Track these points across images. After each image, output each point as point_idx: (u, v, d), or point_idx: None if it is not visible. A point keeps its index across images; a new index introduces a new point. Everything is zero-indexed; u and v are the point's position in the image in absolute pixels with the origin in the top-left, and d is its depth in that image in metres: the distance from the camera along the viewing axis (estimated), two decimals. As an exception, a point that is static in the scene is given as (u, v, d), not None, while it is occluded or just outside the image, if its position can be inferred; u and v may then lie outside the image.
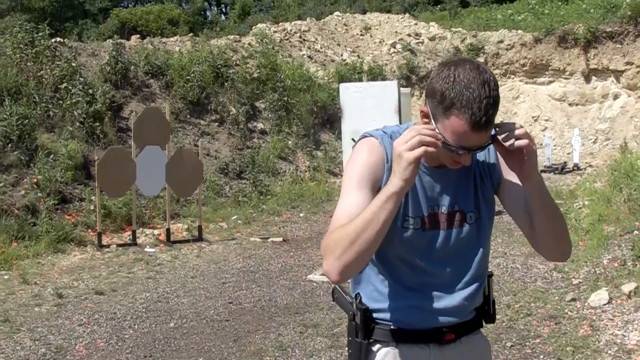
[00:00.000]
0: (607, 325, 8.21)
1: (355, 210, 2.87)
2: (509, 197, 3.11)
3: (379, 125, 3.24)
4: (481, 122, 2.71)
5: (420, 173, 3.05)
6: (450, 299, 3.13)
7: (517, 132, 2.77)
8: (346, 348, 3.37)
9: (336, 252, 2.80)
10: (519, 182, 3.00)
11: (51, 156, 15.07)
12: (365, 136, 3.08)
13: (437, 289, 3.12)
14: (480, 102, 2.70)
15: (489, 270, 3.35)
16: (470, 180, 3.11)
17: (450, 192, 3.09)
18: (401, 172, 2.74)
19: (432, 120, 2.85)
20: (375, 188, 2.96)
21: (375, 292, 3.21)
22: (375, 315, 3.20)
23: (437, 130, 2.80)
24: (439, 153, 2.89)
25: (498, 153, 2.95)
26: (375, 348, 3.20)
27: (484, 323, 3.35)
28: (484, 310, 3.32)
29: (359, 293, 3.26)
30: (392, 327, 3.17)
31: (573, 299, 9.29)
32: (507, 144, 2.78)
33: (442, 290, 3.12)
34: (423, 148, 2.71)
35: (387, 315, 3.18)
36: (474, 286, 3.17)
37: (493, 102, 2.73)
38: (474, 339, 3.26)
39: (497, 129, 2.79)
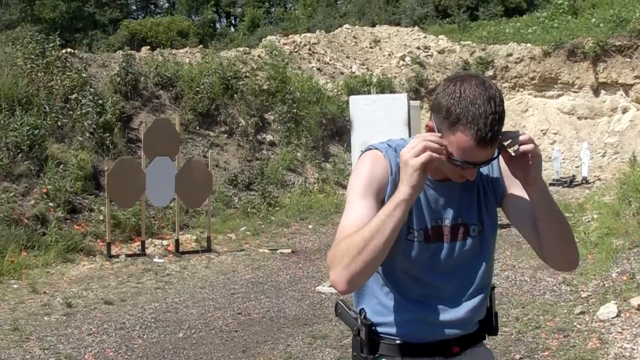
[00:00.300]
0: (615, 338, 8.20)
1: (361, 220, 2.89)
2: (513, 209, 3.12)
3: (389, 138, 3.26)
4: (487, 138, 2.74)
5: (425, 186, 3.05)
6: (455, 311, 3.13)
7: (521, 137, 2.80)
8: None
9: (343, 261, 2.81)
10: (522, 195, 3.04)
11: (61, 166, 15.11)
12: (369, 149, 3.10)
13: (442, 301, 3.13)
14: (486, 118, 2.72)
15: (493, 283, 3.37)
16: (473, 194, 3.12)
17: (454, 205, 3.10)
18: (408, 179, 2.77)
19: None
20: (379, 199, 2.98)
21: (379, 306, 3.21)
22: (379, 329, 3.21)
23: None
24: (443, 166, 2.92)
25: (501, 165, 2.98)
26: None
27: (487, 336, 3.38)
28: (487, 323, 3.33)
29: (363, 308, 3.26)
30: (397, 341, 3.18)
31: (582, 312, 9.28)
32: (512, 149, 2.82)
33: (447, 302, 3.13)
34: (428, 153, 2.74)
35: (392, 330, 3.18)
36: (478, 298, 3.17)
37: (499, 118, 2.75)
38: (477, 351, 3.27)
39: (501, 136, 2.80)
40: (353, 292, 3.22)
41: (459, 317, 3.14)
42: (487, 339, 3.36)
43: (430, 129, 2.92)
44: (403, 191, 2.79)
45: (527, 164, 2.84)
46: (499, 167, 3.09)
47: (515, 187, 3.07)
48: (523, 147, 2.79)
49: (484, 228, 3.16)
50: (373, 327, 3.21)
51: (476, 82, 2.79)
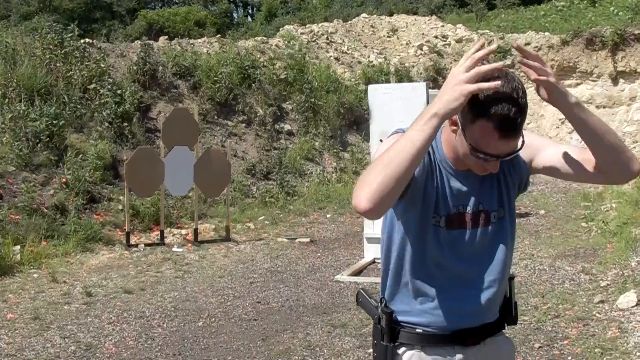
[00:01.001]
0: (635, 327, 8.20)
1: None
2: (547, 163, 3.12)
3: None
4: (510, 130, 2.75)
5: (448, 175, 3.09)
6: (475, 300, 3.16)
7: (536, 70, 2.83)
8: (371, 351, 3.40)
9: (367, 180, 2.76)
10: (547, 149, 3.10)
11: (80, 156, 15.15)
12: (397, 132, 3.09)
13: (462, 290, 3.15)
14: (509, 110, 2.73)
15: (511, 273, 3.38)
16: (494, 181, 3.14)
17: (475, 193, 3.12)
18: (450, 101, 2.73)
19: (460, 127, 2.88)
20: None
21: (400, 295, 3.24)
22: (400, 318, 3.23)
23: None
24: (467, 160, 2.95)
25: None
26: (400, 351, 3.24)
27: (506, 325, 3.39)
28: (507, 312, 3.34)
29: (384, 297, 3.29)
30: (418, 330, 3.20)
31: (601, 301, 9.28)
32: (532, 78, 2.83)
33: (468, 291, 3.15)
34: (477, 86, 2.71)
35: (412, 319, 3.21)
36: (497, 285, 3.19)
37: (521, 109, 2.76)
38: (497, 340, 3.30)
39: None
40: (380, 262, 3.26)
41: (479, 305, 3.16)
42: (506, 328, 3.38)
43: (453, 122, 2.93)
44: (439, 107, 2.75)
45: (549, 90, 2.87)
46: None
47: (539, 149, 3.11)
48: (493, 85, 2.73)
49: (504, 214, 3.18)
50: (394, 316, 3.23)
51: (499, 74, 2.80)
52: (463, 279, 3.14)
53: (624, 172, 2.97)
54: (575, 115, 2.90)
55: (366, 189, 2.73)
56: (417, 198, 3.05)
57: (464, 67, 2.75)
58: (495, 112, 2.74)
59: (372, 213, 2.77)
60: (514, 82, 2.79)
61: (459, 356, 3.19)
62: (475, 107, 2.78)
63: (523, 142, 2.87)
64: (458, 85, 2.73)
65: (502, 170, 3.08)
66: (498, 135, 2.76)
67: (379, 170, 2.74)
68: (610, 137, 2.94)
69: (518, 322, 3.47)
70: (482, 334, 3.22)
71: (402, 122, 2.93)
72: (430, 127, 2.74)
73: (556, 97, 2.86)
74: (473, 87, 2.70)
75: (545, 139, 3.23)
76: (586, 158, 3.00)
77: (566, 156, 3.05)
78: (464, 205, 3.12)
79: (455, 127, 2.94)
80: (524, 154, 3.00)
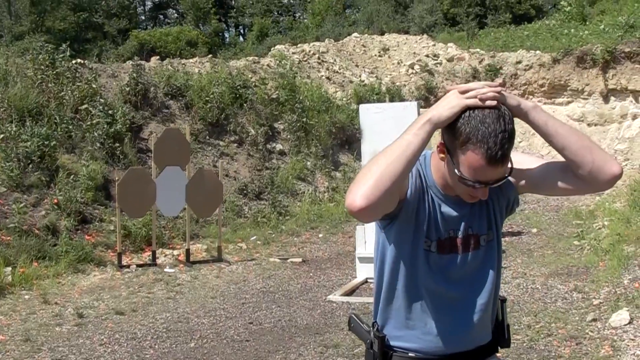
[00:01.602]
0: (628, 345, 8.19)
1: None
2: (533, 181, 3.15)
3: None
4: (497, 157, 2.77)
5: (438, 200, 3.11)
6: (467, 323, 3.17)
7: (482, 95, 2.83)
8: None
9: (362, 180, 2.79)
10: (532, 167, 3.12)
11: (72, 177, 15.13)
12: None
13: (454, 313, 3.16)
14: (495, 136, 2.75)
15: (503, 295, 3.39)
16: (483, 204, 3.15)
17: (465, 218, 3.13)
18: (445, 109, 2.83)
19: (449, 155, 2.89)
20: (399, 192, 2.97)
21: (393, 320, 3.24)
22: (392, 342, 3.23)
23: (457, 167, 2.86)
24: (456, 187, 2.97)
25: None
26: None
27: (499, 348, 3.39)
28: (500, 335, 3.35)
29: (376, 321, 3.29)
30: (410, 354, 3.20)
31: (594, 319, 9.27)
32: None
33: (459, 314, 3.16)
34: (474, 101, 2.79)
35: (404, 343, 3.22)
36: (489, 308, 3.21)
37: (509, 136, 2.78)
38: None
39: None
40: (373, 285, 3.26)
41: (471, 328, 3.17)
42: (499, 351, 3.38)
43: (441, 150, 2.95)
44: (433, 114, 2.84)
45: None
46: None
47: (522, 172, 3.11)
48: (488, 104, 2.81)
49: (493, 237, 3.19)
50: (386, 340, 3.23)
51: (501, 110, 2.83)
52: (454, 303, 3.15)
53: (602, 175, 2.95)
54: (535, 120, 2.95)
55: (361, 188, 2.76)
56: (410, 221, 3.07)
57: (465, 87, 2.84)
58: (482, 139, 2.75)
59: (366, 211, 2.78)
60: (501, 108, 2.81)
61: None
62: (462, 135, 2.79)
63: (512, 168, 2.88)
64: (455, 97, 2.81)
65: (490, 193, 3.07)
66: (486, 163, 2.77)
67: (374, 170, 2.78)
68: (578, 138, 2.97)
69: (511, 341, 3.46)
70: (475, 357, 3.22)
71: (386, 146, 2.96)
72: (424, 132, 2.82)
73: (517, 111, 2.92)
74: (469, 101, 2.76)
75: (529, 155, 3.24)
76: (568, 169, 3.01)
77: (548, 170, 3.09)
78: (454, 230, 3.13)
79: (443, 155, 2.95)
80: (513, 176, 3.00)
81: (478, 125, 2.76)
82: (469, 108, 2.79)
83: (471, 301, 3.16)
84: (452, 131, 2.84)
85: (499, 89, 2.84)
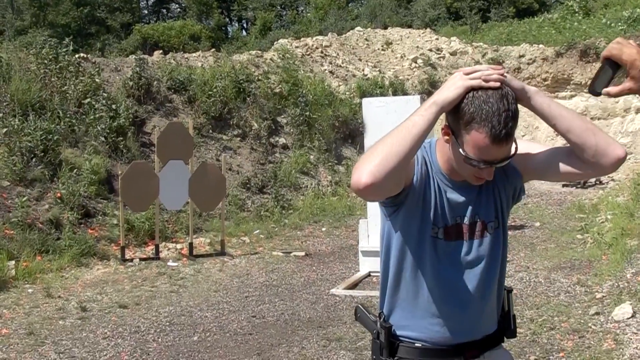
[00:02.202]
0: (631, 339, 8.18)
1: None
2: (538, 167, 3.16)
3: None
4: (501, 135, 2.77)
5: (444, 186, 3.10)
6: (473, 312, 3.17)
7: (486, 76, 2.86)
8: None
9: (368, 158, 2.82)
10: (536, 153, 3.14)
11: (75, 171, 15.13)
12: None
13: (461, 303, 3.16)
14: (499, 115, 2.76)
15: (509, 285, 3.39)
16: (490, 191, 3.16)
17: (472, 203, 3.13)
18: (448, 90, 2.85)
19: (453, 136, 2.90)
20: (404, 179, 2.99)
21: (399, 309, 3.24)
22: (399, 332, 3.23)
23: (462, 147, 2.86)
24: (462, 170, 2.96)
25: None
26: None
27: (505, 338, 3.39)
28: (506, 326, 3.34)
29: (382, 312, 3.29)
30: (416, 344, 3.20)
31: (597, 313, 9.26)
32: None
33: (466, 303, 3.16)
34: (479, 82, 2.82)
35: (411, 333, 3.22)
36: (495, 296, 3.21)
37: (512, 115, 2.79)
38: (496, 353, 3.30)
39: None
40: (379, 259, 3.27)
41: (477, 317, 3.17)
42: (505, 341, 3.38)
43: (445, 132, 2.96)
44: (438, 96, 2.87)
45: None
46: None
47: (527, 157, 3.14)
48: (492, 84, 2.84)
49: (499, 224, 3.20)
50: (392, 330, 3.23)
51: (505, 90, 2.85)
52: (461, 291, 3.15)
53: (606, 158, 2.96)
54: (538, 103, 2.97)
55: (367, 165, 2.78)
56: (416, 207, 3.08)
57: (470, 69, 2.88)
58: (486, 118, 2.76)
59: (371, 189, 2.79)
60: (504, 88, 2.82)
61: None
62: (466, 114, 2.80)
63: (516, 148, 2.88)
64: (460, 78, 2.85)
65: (496, 180, 3.08)
66: (490, 142, 2.78)
67: (380, 149, 2.80)
68: (582, 121, 2.99)
69: (517, 332, 3.47)
70: (481, 347, 3.22)
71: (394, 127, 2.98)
72: (430, 113, 2.85)
73: (521, 94, 2.95)
74: (473, 81, 2.79)
75: (534, 143, 3.24)
76: (572, 153, 3.03)
77: (553, 156, 3.10)
78: (461, 216, 3.13)
79: (447, 137, 2.96)
80: (515, 161, 3.02)
81: (482, 104, 2.77)
82: (473, 89, 2.80)
83: (478, 289, 3.16)
84: (456, 112, 2.86)
85: (502, 71, 2.85)
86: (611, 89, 2.93)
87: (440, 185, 3.12)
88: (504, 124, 2.77)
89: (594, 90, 2.97)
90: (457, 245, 3.13)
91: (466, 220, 3.13)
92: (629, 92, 2.90)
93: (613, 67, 2.91)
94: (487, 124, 2.77)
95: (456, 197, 3.12)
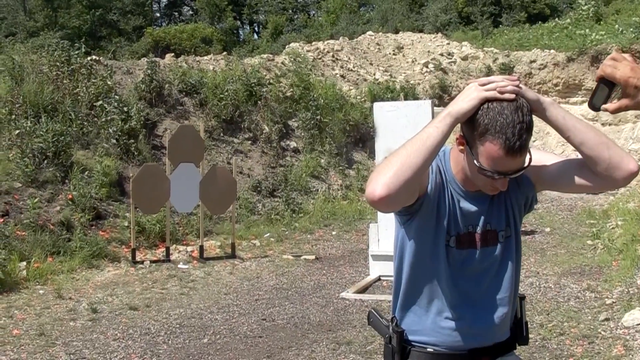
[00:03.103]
0: (640, 345, 8.19)
1: None
2: (550, 178, 3.17)
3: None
4: (515, 147, 2.79)
5: (457, 196, 3.13)
6: (486, 319, 3.18)
7: (501, 88, 2.86)
8: None
9: (383, 170, 2.82)
10: (549, 164, 3.14)
11: (86, 173, 15.18)
12: None
13: (473, 309, 3.17)
14: (514, 127, 2.78)
15: (522, 293, 3.40)
16: (501, 200, 3.17)
17: (484, 213, 3.15)
18: (463, 101, 2.87)
19: (468, 147, 2.92)
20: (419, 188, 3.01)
21: (412, 314, 3.26)
22: (411, 337, 3.25)
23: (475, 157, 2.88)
24: (476, 180, 2.98)
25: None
26: None
27: (517, 345, 3.40)
28: (518, 332, 3.36)
29: (395, 316, 3.31)
30: (428, 349, 3.22)
31: (606, 319, 9.26)
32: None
33: (478, 310, 3.17)
34: (494, 93, 2.83)
35: (423, 338, 3.23)
36: (507, 304, 3.22)
37: (527, 127, 2.80)
38: (508, 359, 3.30)
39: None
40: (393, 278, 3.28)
41: (490, 324, 3.18)
42: (517, 348, 3.39)
43: (460, 142, 2.98)
44: (453, 107, 2.89)
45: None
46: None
47: (540, 168, 3.15)
48: (507, 96, 2.85)
49: (511, 233, 3.21)
50: (404, 335, 3.24)
51: (520, 102, 2.86)
52: (473, 298, 3.17)
53: (619, 171, 2.97)
54: (553, 115, 2.97)
55: (382, 177, 2.79)
56: (431, 216, 3.10)
57: (486, 80, 2.89)
58: (500, 130, 2.78)
59: (386, 201, 2.80)
60: (519, 100, 2.83)
61: None
62: (480, 126, 2.82)
63: (530, 158, 2.90)
64: (475, 89, 2.86)
65: (508, 189, 3.09)
66: (504, 153, 2.80)
67: (395, 161, 2.81)
68: (595, 134, 2.98)
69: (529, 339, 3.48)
70: (493, 353, 3.23)
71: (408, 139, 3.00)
72: (444, 125, 2.86)
73: (534, 100, 2.95)
74: (488, 93, 2.79)
75: (547, 153, 3.26)
76: (585, 166, 3.03)
77: (566, 167, 3.10)
78: (473, 225, 3.15)
79: (462, 147, 2.97)
80: (528, 171, 3.02)
81: (496, 116, 2.79)
82: (487, 100, 2.81)
83: (490, 297, 3.18)
84: (470, 123, 2.87)
85: (517, 82, 2.86)
86: (609, 105, 2.95)
87: (454, 194, 3.14)
88: (518, 135, 2.78)
89: (594, 106, 3.00)
90: (470, 253, 3.15)
91: (479, 229, 3.15)
92: (626, 109, 2.93)
93: (609, 85, 2.93)
94: (502, 135, 2.79)
95: (469, 206, 3.14)
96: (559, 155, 3.21)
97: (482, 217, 3.14)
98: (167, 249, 13.95)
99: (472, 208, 3.14)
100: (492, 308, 3.18)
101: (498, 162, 2.83)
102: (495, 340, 3.23)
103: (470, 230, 3.15)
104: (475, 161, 2.88)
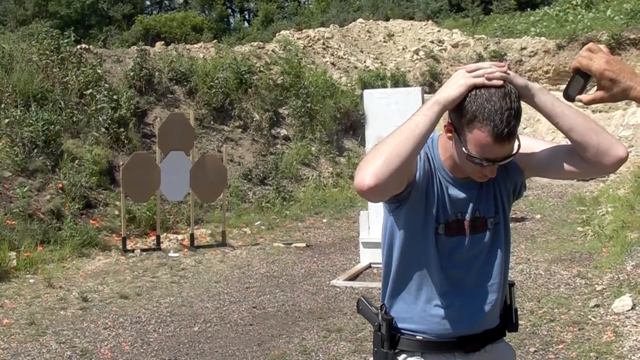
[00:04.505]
0: (630, 331, 8.20)
1: None
2: (539, 164, 3.14)
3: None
4: (503, 134, 2.77)
5: (446, 183, 3.11)
6: (475, 306, 3.17)
7: (488, 74, 2.85)
8: (372, 358, 3.41)
9: (371, 159, 2.80)
10: (538, 150, 3.12)
11: (76, 161, 15.16)
12: None
13: (462, 296, 3.17)
14: (502, 113, 2.76)
15: (511, 280, 3.39)
16: (490, 187, 3.16)
17: (473, 200, 3.13)
18: (451, 88, 2.85)
19: (456, 134, 2.91)
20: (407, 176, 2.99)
21: (401, 302, 3.25)
22: (400, 325, 3.24)
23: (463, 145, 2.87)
24: (465, 166, 2.96)
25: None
26: (400, 358, 3.25)
27: (507, 332, 3.39)
28: (507, 319, 3.35)
29: (384, 304, 3.30)
30: (417, 336, 3.21)
31: (596, 305, 9.28)
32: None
33: (467, 297, 3.17)
34: (482, 80, 2.81)
35: (412, 325, 3.22)
36: (496, 291, 3.20)
37: (515, 113, 2.79)
38: (498, 347, 3.30)
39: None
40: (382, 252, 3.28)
41: (479, 311, 3.18)
42: (507, 335, 3.39)
43: (448, 129, 2.96)
44: (441, 95, 2.87)
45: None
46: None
47: (529, 155, 3.12)
48: (495, 82, 2.83)
49: (499, 220, 3.19)
50: (394, 322, 3.23)
51: (507, 89, 2.85)
52: (462, 286, 3.16)
53: (608, 157, 2.96)
54: (541, 101, 2.96)
55: (370, 167, 2.77)
56: (420, 203, 3.09)
57: (474, 66, 2.87)
58: (488, 117, 2.76)
59: (375, 190, 2.80)
60: (507, 86, 2.82)
61: None
62: (468, 113, 2.81)
63: (519, 145, 2.89)
64: (462, 76, 2.85)
65: (497, 176, 3.07)
66: (493, 140, 2.78)
67: (384, 150, 2.79)
68: (584, 120, 2.97)
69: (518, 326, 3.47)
70: (483, 340, 3.22)
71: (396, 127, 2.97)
72: (432, 112, 2.85)
73: (523, 91, 2.93)
74: (475, 79, 2.78)
75: (536, 139, 3.22)
76: (574, 152, 3.01)
77: (555, 154, 3.08)
78: (462, 212, 3.13)
79: (450, 134, 2.96)
80: (517, 158, 3.00)
81: (484, 103, 2.77)
82: (475, 87, 2.80)
83: (479, 284, 3.17)
84: (458, 110, 2.86)
85: (505, 68, 2.85)
86: (583, 97, 2.93)
87: (442, 181, 3.12)
88: (506, 122, 2.76)
89: (569, 96, 2.97)
90: (459, 240, 3.14)
91: (467, 216, 3.13)
92: (601, 101, 2.91)
93: (584, 76, 2.91)
94: (490, 122, 2.77)
95: (457, 193, 3.13)
96: (549, 142, 3.19)
97: (471, 204, 3.13)
98: (158, 238, 13.94)
99: (461, 195, 3.12)
100: (481, 295, 3.17)
101: (486, 149, 2.81)
102: (485, 327, 3.21)
103: (459, 218, 3.13)
104: (463, 148, 2.86)
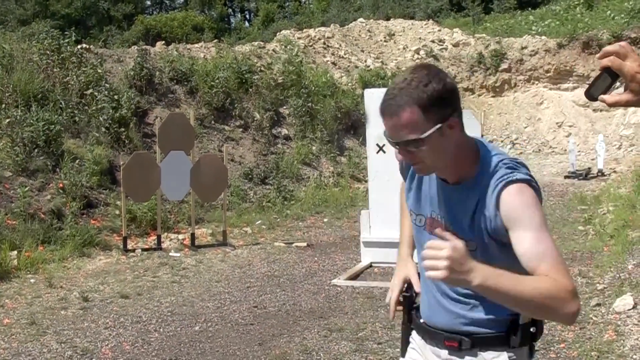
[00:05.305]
0: (632, 330, 8.19)
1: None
2: (513, 245, 2.94)
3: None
4: (384, 105, 2.87)
5: (425, 178, 3.14)
6: (434, 299, 3.20)
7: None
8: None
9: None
10: (517, 234, 2.91)
11: (77, 161, 15.15)
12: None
13: (429, 292, 3.25)
14: (391, 88, 2.88)
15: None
16: (468, 212, 3.03)
17: (448, 210, 3.10)
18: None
19: None
20: None
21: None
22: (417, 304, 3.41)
23: None
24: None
25: (501, 208, 2.89)
26: (413, 333, 3.42)
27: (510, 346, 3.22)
28: (511, 333, 3.11)
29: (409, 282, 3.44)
30: (421, 320, 3.31)
31: (598, 304, 9.27)
32: None
33: (431, 293, 3.23)
34: None
35: (421, 307, 3.35)
36: (472, 299, 3.09)
37: (401, 88, 2.82)
38: (497, 355, 3.12)
39: None
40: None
41: (438, 310, 3.20)
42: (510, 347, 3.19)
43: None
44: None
45: None
46: (496, 207, 2.91)
47: (512, 224, 2.91)
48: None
49: (476, 248, 3.00)
50: (411, 300, 3.41)
51: (411, 69, 2.94)
52: (429, 282, 3.18)
53: (560, 321, 2.98)
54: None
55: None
56: (411, 198, 3.21)
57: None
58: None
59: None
60: (415, 73, 2.87)
61: (445, 355, 3.18)
62: None
63: (421, 138, 2.82)
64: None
65: (485, 205, 2.95)
66: (380, 112, 2.90)
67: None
68: (528, 310, 2.87)
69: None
70: (472, 343, 3.13)
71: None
72: None
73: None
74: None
75: (523, 219, 2.92)
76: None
77: (524, 264, 2.89)
78: (438, 214, 3.15)
79: None
80: (503, 215, 2.89)
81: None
82: None
83: (437, 285, 3.15)
84: None
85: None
86: (607, 97, 2.78)
87: (425, 178, 3.19)
88: (386, 96, 2.87)
89: (591, 95, 2.81)
90: (428, 237, 3.11)
91: (442, 221, 3.11)
92: (626, 104, 2.76)
93: (613, 75, 2.78)
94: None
95: (436, 192, 3.15)
96: (529, 229, 2.89)
97: (447, 215, 3.09)
98: (159, 237, 13.93)
99: (437, 198, 3.14)
100: (456, 296, 3.10)
101: (384, 124, 2.90)
102: (464, 328, 3.10)
103: (434, 217, 3.17)
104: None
